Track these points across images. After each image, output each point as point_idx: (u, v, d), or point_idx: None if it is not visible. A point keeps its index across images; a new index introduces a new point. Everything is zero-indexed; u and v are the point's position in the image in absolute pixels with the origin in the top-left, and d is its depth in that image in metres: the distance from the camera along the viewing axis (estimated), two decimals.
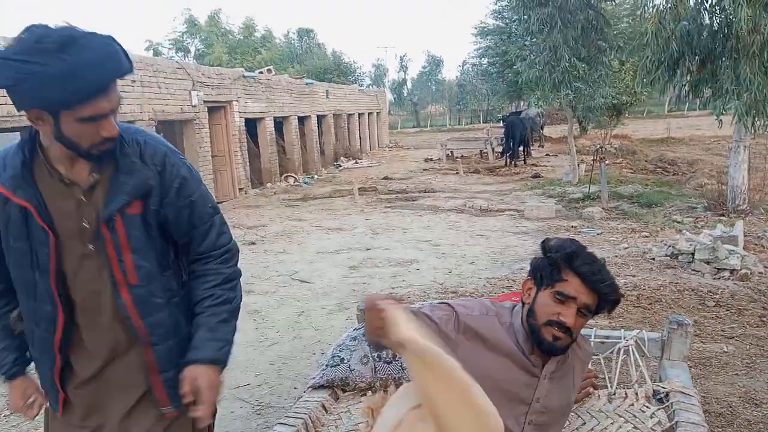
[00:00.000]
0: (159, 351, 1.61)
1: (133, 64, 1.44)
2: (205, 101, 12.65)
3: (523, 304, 1.79)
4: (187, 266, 1.72)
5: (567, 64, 11.20)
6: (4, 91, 1.37)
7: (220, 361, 1.65)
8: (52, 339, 1.59)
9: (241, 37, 41.79)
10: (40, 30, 1.32)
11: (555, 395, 1.76)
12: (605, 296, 1.70)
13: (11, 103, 1.37)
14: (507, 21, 23.42)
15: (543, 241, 1.82)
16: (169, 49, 41.64)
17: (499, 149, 18.89)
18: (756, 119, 7.96)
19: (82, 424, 1.66)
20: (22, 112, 1.39)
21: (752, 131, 8.42)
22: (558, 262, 1.69)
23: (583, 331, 2.48)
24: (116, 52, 1.38)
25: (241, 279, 1.77)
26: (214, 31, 40.57)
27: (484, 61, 28.65)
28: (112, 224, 1.52)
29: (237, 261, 1.75)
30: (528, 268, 1.84)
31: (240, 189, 13.96)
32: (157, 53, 38.65)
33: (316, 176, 17.86)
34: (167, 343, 1.62)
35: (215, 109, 13.42)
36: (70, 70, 1.29)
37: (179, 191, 1.60)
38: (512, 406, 1.70)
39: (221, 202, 12.88)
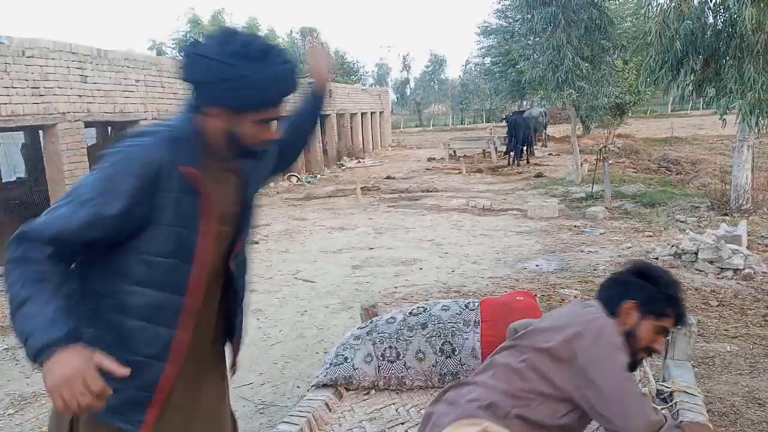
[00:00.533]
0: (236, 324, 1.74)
1: None
2: None
3: (617, 319, 1.84)
4: None
5: (570, 63, 11.18)
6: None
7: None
8: (170, 338, 1.48)
9: None
10: (243, 37, 1.44)
11: None
12: (685, 323, 2.05)
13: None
14: (510, 20, 23.36)
15: (646, 268, 1.95)
16: (173, 48, 41.68)
17: (502, 149, 18.88)
18: (760, 118, 7.93)
19: None
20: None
21: (756, 130, 8.39)
22: (671, 302, 1.85)
23: None
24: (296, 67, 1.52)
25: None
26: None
27: (487, 60, 28.63)
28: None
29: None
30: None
31: None
32: (160, 53, 38.70)
33: (318, 176, 17.86)
34: (239, 318, 1.75)
35: None
36: (272, 78, 1.43)
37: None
38: None
39: None
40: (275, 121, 1.53)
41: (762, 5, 7.13)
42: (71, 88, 9.05)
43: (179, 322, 1.48)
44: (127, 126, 10.62)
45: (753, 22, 7.18)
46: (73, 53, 9.19)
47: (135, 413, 1.47)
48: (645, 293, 1.84)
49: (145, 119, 10.61)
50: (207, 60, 1.40)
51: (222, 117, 1.46)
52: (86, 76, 9.38)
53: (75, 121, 9.12)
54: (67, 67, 9.04)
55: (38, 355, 1.23)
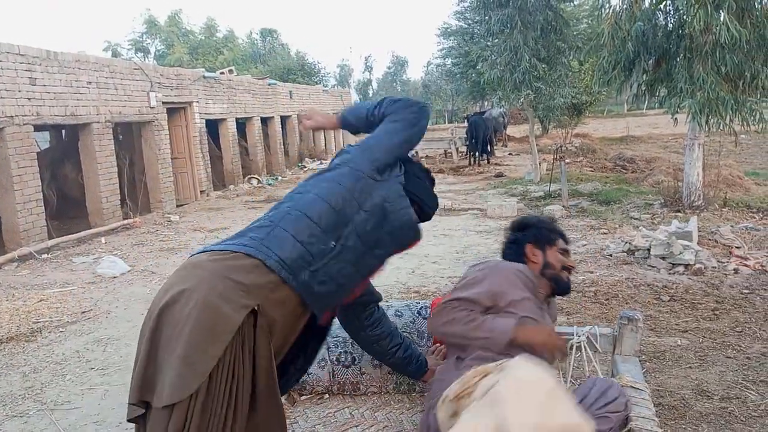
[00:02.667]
0: None
1: None
2: (164, 102, 12.43)
3: (528, 263, 2.32)
4: None
5: (527, 64, 11.35)
6: None
7: None
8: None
9: (203, 38, 41.25)
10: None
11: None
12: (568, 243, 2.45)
13: None
14: (469, 22, 23.61)
15: (522, 220, 2.50)
16: (129, 49, 40.91)
17: (464, 149, 19.03)
18: (709, 117, 8.16)
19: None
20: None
21: (706, 129, 8.64)
22: (552, 229, 2.39)
23: None
24: None
25: None
26: (174, 31, 39.96)
27: (448, 61, 28.88)
28: None
29: None
30: None
31: (201, 191, 13.76)
32: (116, 54, 37.91)
33: (280, 177, 17.72)
34: None
35: (175, 110, 13.20)
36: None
37: None
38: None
39: (182, 205, 12.69)
40: None
41: (709, 7, 7.34)
42: (19, 91, 8.79)
43: None
44: (80, 129, 10.36)
45: (701, 23, 7.39)
46: (21, 55, 8.92)
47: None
48: (533, 234, 2.37)
49: (98, 122, 10.36)
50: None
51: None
52: (35, 79, 9.12)
53: (24, 124, 8.85)
54: (15, 70, 8.77)
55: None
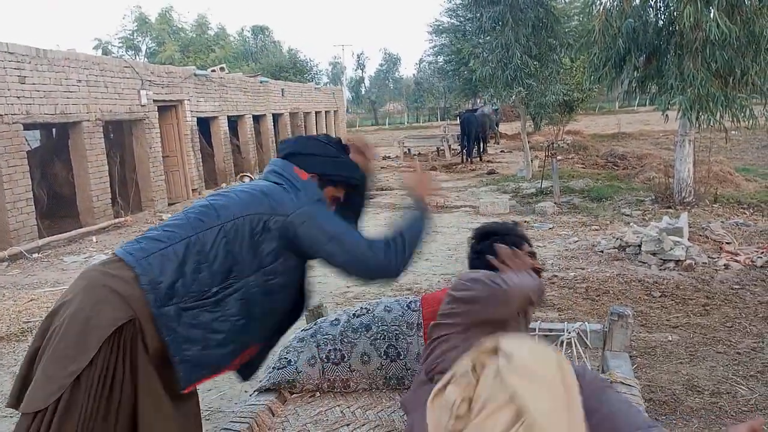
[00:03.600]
0: None
1: None
2: (155, 100, 12.37)
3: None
4: None
5: (519, 61, 11.36)
6: None
7: None
8: (279, 326, 1.96)
9: (194, 35, 41.07)
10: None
11: None
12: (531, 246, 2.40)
13: None
14: (461, 19, 23.65)
15: (479, 229, 2.42)
16: (119, 47, 40.68)
17: (456, 146, 19.05)
18: (700, 114, 8.19)
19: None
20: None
21: (696, 125, 8.68)
22: (518, 234, 2.33)
23: None
24: None
25: None
26: (165, 29, 39.77)
27: (440, 59, 28.92)
28: None
29: None
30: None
31: (193, 190, 13.70)
32: (106, 52, 37.69)
33: None
34: None
35: (166, 108, 13.13)
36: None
37: None
38: None
39: (174, 203, 12.63)
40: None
41: (699, 3, 7.37)
42: (8, 89, 8.72)
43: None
44: (70, 128, 10.29)
45: (691, 19, 7.42)
46: (10, 53, 8.85)
47: (199, 372, 1.74)
48: (499, 242, 2.25)
49: (88, 120, 10.30)
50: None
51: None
52: (25, 77, 9.05)
53: (13, 123, 8.78)
54: (4, 68, 8.70)
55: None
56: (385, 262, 1.92)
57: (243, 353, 1.88)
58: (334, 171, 2.06)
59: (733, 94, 8.07)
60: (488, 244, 2.29)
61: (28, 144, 12.89)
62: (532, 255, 2.31)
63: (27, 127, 9.76)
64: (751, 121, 8.27)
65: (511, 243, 2.28)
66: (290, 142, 2.12)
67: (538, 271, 2.29)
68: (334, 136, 2.17)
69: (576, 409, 1.53)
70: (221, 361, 1.82)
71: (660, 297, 5.05)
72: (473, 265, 2.34)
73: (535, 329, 2.55)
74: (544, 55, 12.13)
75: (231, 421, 2.33)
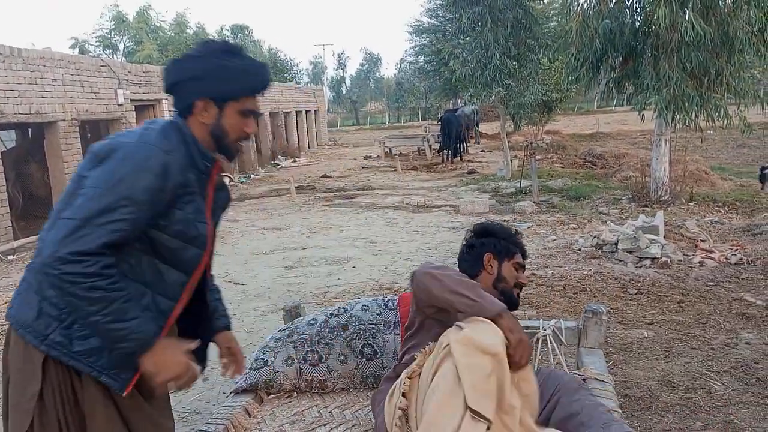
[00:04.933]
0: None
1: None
2: (132, 100, 12.24)
3: (482, 272, 2.26)
4: None
5: (498, 61, 11.43)
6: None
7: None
8: (171, 310, 1.69)
9: (173, 34, 40.67)
10: (220, 41, 1.69)
11: None
12: (526, 258, 2.38)
13: None
14: (441, 19, 23.74)
15: (485, 226, 2.40)
16: (96, 46, 40.17)
17: (437, 146, 19.11)
18: (675, 114, 8.32)
19: (154, 410, 1.79)
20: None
21: (672, 125, 8.80)
22: (512, 242, 2.31)
23: None
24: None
25: None
26: (143, 27, 39.34)
27: (421, 59, 29.00)
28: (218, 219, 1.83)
29: None
30: None
31: None
32: (83, 51, 37.19)
33: (252, 175, 17.57)
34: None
35: (144, 108, 12.99)
36: (249, 66, 1.66)
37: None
38: None
39: None
40: (256, 117, 1.73)
41: (674, 5, 7.47)
42: None
43: (178, 301, 1.70)
44: (45, 127, 10.14)
45: (666, 20, 7.52)
46: None
47: (125, 373, 1.61)
48: (493, 244, 2.29)
49: (64, 120, 10.15)
50: (193, 57, 1.63)
51: (209, 112, 1.64)
52: None
53: None
54: None
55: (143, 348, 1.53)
56: (59, 242, 1.43)
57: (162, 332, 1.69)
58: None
59: (708, 94, 8.21)
60: (483, 243, 2.31)
61: (3, 144, 12.67)
62: (521, 268, 2.31)
63: (1, 127, 9.60)
64: (725, 121, 8.41)
65: (504, 250, 2.28)
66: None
67: (521, 286, 2.30)
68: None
69: (501, 374, 1.63)
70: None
71: (636, 294, 5.11)
72: (463, 258, 2.36)
73: None
74: (523, 55, 12.22)
75: (207, 423, 2.32)
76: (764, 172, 8.42)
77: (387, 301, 2.62)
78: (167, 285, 1.65)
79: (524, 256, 2.34)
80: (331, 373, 2.54)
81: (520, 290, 2.31)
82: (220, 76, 1.60)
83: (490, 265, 2.26)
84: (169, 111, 13.97)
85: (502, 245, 2.29)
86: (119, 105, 11.76)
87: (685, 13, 7.64)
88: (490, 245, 2.30)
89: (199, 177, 1.67)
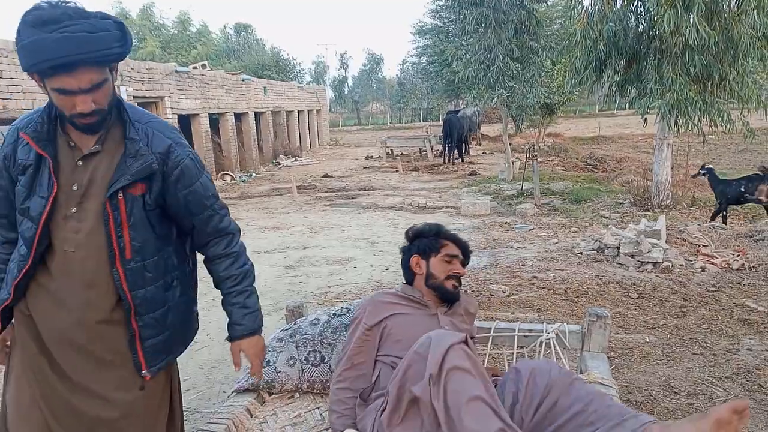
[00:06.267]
0: (145, 320, 1.78)
1: (126, 51, 1.59)
2: (134, 97, 12.22)
3: (414, 275, 2.34)
4: (192, 248, 1.96)
5: (501, 63, 11.43)
6: None
7: (259, 329, 2.01)
8: (14, 277, 1.72)
9: (176, 32, 40.69)
10: (40, 8, 1.50)
11: (455, 321, 2.27)
12: (467, 250, 2.41)
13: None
14: (444, 20, 23.73)
15: (408, 230, 2.46)
16: None
17: (439, 147, 19.11)
18: (678, 118, 8.31)
19: (63, 380, 1.76)
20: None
21: (675, 129, 8.79)
22: (436, 236, 2.36)
23: (507, 325, 2.53)
24: (94, 38, 1.49)
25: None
26: (146, 25, 39.37)
27: (423, 60, 28.97)
28: (116, 202, 1.68)
29: (239, 239, 1.99)
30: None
31: None
32: None
33: (254, 174, 17.56)
34: (154, 314, 1.79)
35: (146, 105, 12.97)
36: (33, 44, 1.46)
37: (179, 180, 1.76)
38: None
39: None
40: (81, 94, 1.55)
41: (679, 9, 7.46)
42: None
43: (20, 271, 1.72)
44: None
45: (671, 24, 7.51)
46: None
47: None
48: (417, 245, 2.36)
49: None
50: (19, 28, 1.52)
51: (40, 87, 1.58)
52: (1, 71, 8.89)
53: None
54: None
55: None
56: None
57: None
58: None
59: (711, 98, 8.20)
60: (409, 247, 2.40)
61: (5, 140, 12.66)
62: (453, 258, 2.32)
63: (3, 122, 9.59)
64: (728, 126, 8.39)
65: (429, 247, 2.34)
66: None
67: (456, 276, 2.31)
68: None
69: None
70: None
71: (638, 298, 5.10)
72: (402, 263, 2.45)
73: (515, 330, 2.55)
74: (526, 57, 12.22)
75: (208, 422, 2.31)
76: (704, 168, 8.56)
77: None
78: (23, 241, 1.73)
79: (459, 245, 2.37)
80: (333, 374, 2.53)
81: (458, 281, 2.32)
82: (18, 52, 1.53)
83: (418, 265, 2.33)
84: (172, 109, 14.01)
85: (425, 243, 2.35)
86: None
87: (689, 17, 7.63)
88: (415, 248, 2.37)
89: (49, 150, 1.66)
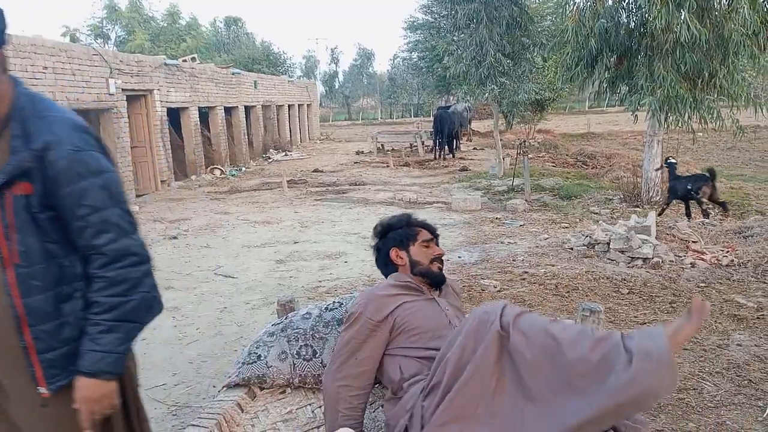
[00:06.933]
0: (37, 332, 1.60)
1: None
2: (123, 89, 12.11)
3: (398, 267, 2.35)
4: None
5: (492, 59, 11.42)
6: None
7: (100, 373, 1.63)
8: None
9: (165, 25, 40.37)
10: None
11: (450, 301, 2.34)
12: (436, 232, 2.46)
13: None
14: (436, 16, 23.67)
15: (377, 226, 2.47)
16: (88, 35, 39.80)
17: (429, 143, 19.10)
18: (668, 114, 8.34)
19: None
20: None
21: (665, 126, 8.83)
22: (408, 225, 2.40)
23: None
24: None
25: (148, 280, 1.69)
26: (135, 17, 39.03)
27: (414, 55, 28.89)
28: (2, 202, 1.55)
29: (130, 263, 1.66)
30: (453, 258, 2.28)
31: (162, 181, 13.47)
32: (74, 40, 36.81)
33: (244, 168, 17.48)
34: (45, 326, 1.61)
35: (135, 97, 12.87)
36: None
37: (56, 182, 1.58)
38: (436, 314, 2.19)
39: (142, 195, 12.39)
40: None
41: (670, 5, 7.48)
42: None
43: None
44: None
45: (662, 21, 7.52)
46: None
47: None
48: (392, 238, 2.38)
49: None
50: None
51: None
52: None
53: None
54: None
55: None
56: None
57: None
58: None
59: (701, 96, 8.23)
60: (384, 242, 2.40)
61: None
62: (430, 242, 2.36)
63: None
64: (717, 123, 8.43)
65: (404, 237, 2.36)
66: None
67: (439, 258, 2.35)
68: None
69: None
70: None
71: (628, 294, 5.11)
72: (377, 262, 2.46)
73: None
74: (518, 53, 12.22)
75: (199, 417, 2.28)
76: (667, 162, 8.69)
77: None
78: None
79: (430, 230, 2.40)
80: (326, 368, 2.51)
81: (441, 263, 2.36)
82: None
83: (399, 257, 2.34)
84: (161, 102, 13.89)
85: (400, 234, 2.37)
86: (110, 94, 11.63)
87: (681, 14, 7.65)
88: (390, 241, 2.38)
89: None
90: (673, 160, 8.62)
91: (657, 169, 9.28)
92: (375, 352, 2.08)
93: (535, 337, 1.64)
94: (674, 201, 8.49)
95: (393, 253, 2.35)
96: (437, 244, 2.41)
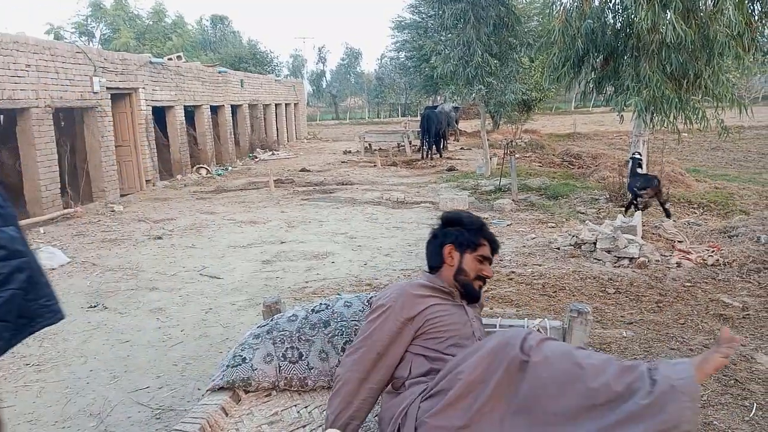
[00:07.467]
0: None
1: None
2: (108, 88, 11.97)
3: (444, 264, 2.25)
4: None
5: (480, 59, 11.42)
6: None
7: None
8: None
9: (150, 23, 40.04)
10: None
11: (477, 314, 2.32)
12: (498, 250, 2.33)
13: None
14: (423, 16, 23.65)
15: (450, 215, 2.35)
16: (72, 33, 39.39)
17: (417, 142, 19.10)
18: (654, 115, 8.37)
19: None
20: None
21: (650, 126, 8.87)
22: (477, 232, 2.25)
23: (487, 320, 2.51)
24: None
25: (19, 277, 1.57)
26: (120, 15, 38.67)
27: (402, 54, 28.83)
28: None
29: None
30: None
31: (147, 181, 13.33)
32: (58, 37, 36.40)
33: (230, 168, 17.36)
34: None
35: (119, 96, 12.73)
36: None
37: None
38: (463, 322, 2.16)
39: (126, 194, 12.27)
40: None
41: (656, 6, 7.51)
42: None
43: None
44: (18, 114, 9.87)
45: (648, 22, 7.55)
46: None
47: None
48: (456, 235, 2.25)
49: (38, 107, 9.88)
50: None
51: None
52: None
53: None
54: None
55: None
56: None
57: None
58: None
59: (687, 96, 8.27)
60: (446, 234, 2.28)
61: None
62: (486, 260, 2.26)
63: None
64: (702, 123, 8.48)
65: (467, 242, 2.24)
66: None
67: (484, 278, 2.27)
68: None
69: None
70: None
71: (615, 294, 5.13)
72: (428, 245, 2.35)
73: (495, 326, 2.53)
74: (505, 53, 12.24)
75: (182, 421, 2.24)
76: (631, 157, 8.82)
77: (370, 297, 2.56)
78: None
79: (494, 249, 2.29)
80: (312, 370, 2.48)
81: (484, 282, 2.28)
82: None
83: (451, 256, 2.24)
84: (146, 101, 13.75)
85: (466, 237, 2.25)
86: (95, 93, 11.49)
87: (666, 14, 7.68)
88: (452, 236, 2.26)
89: None
90: (638, 156, 8.72)
91: (623, 164, 9.43)
92: (398, 348, 2.06)
93: (558, 362, 1.66)
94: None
95: (447, 249, 2.25)
96: (490, 264, 2.31)
